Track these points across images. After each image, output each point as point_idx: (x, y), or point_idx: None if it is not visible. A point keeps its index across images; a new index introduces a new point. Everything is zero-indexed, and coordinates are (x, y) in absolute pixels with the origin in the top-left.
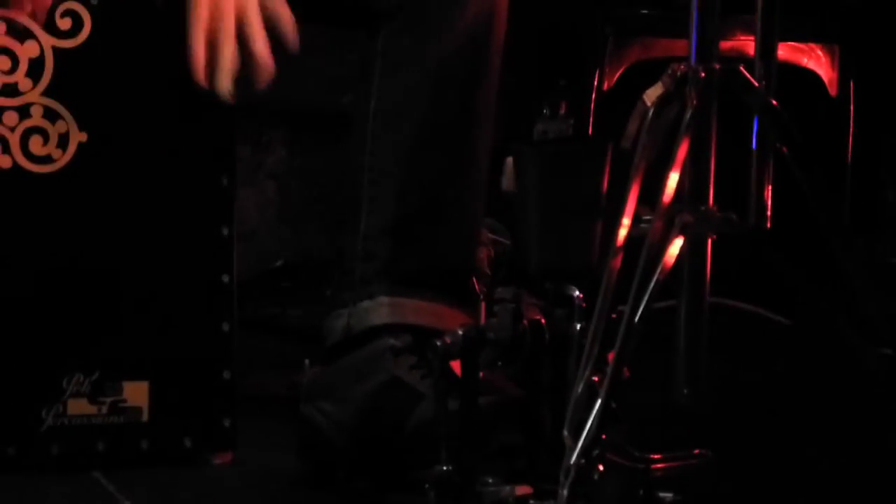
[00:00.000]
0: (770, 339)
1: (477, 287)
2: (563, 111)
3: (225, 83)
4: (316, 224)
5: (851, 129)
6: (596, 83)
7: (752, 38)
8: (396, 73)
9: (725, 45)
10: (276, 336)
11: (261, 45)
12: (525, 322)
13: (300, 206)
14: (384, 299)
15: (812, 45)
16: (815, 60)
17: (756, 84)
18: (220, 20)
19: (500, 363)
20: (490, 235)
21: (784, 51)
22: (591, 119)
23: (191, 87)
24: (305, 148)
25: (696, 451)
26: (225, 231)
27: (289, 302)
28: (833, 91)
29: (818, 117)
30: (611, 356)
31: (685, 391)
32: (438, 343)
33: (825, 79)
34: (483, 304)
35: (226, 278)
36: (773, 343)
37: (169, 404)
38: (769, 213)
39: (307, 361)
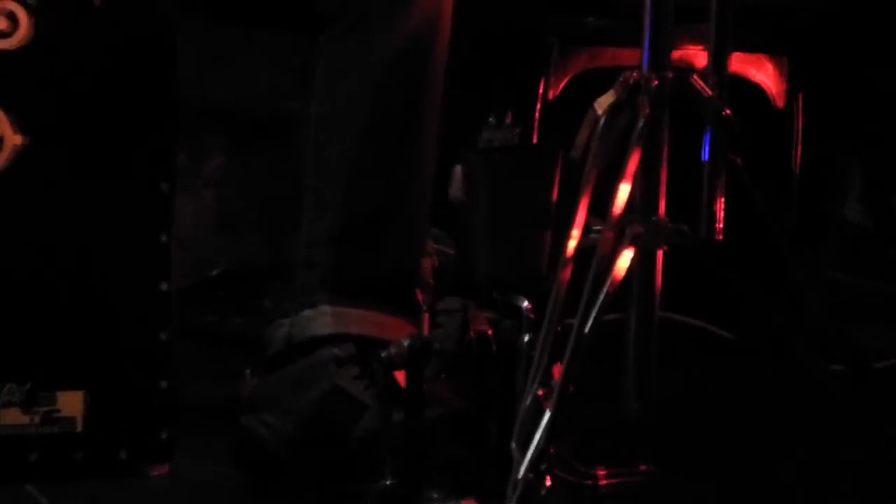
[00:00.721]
0: (716, 353)
1: (420, 297)
2: (508, 120)
3: None
4: (254, 232)
5: (799, 142)
6: (541, 92)
7: (699, 47)
8: (339, 78)
9: (674, 54)
10: (214, 345)
11: None
12: (472, 333)
13: (238, 214)
14: (326, 308)
15: (761, 56)
16: (763, 72)
17: (710, 93)
18: None
19: (444, 375)
20: (434, 245)
21: (732, 62)
22: (535, 128)
23: (132, 89)
24: (245, 154)
25: (644, 467)
26: (163, 238)
27: (227, 311)
28: (780, 103)
29: (763, 130)
30: (559, 369)
31: (634, 405)
32: (383, 353)
33: (772, 91)
34: (426, 315)
35: (164, 286)
36: (719, 358)
37: (104, 415)
38: (720, 224)
39: (248, 371)
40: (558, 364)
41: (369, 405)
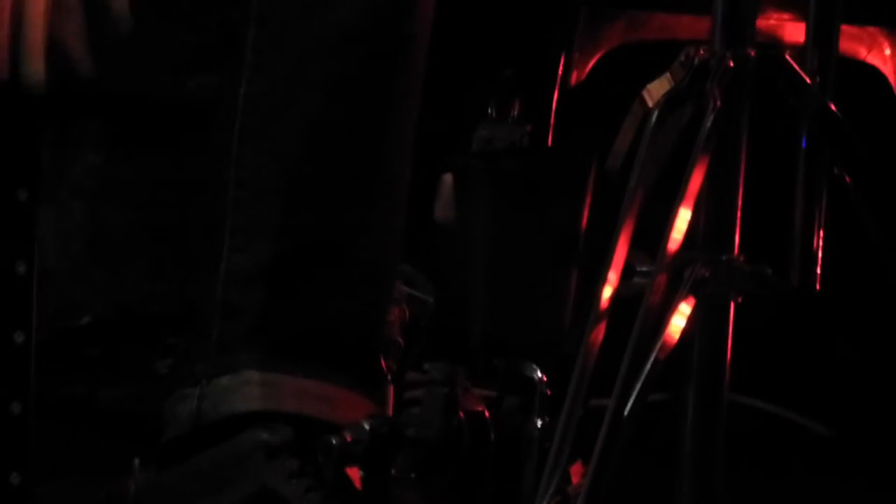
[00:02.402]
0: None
1: (384, 364)
2: (515, 112)
3: (33, 73)
4: (143, 265)
5: None
6: (561, 74)
7: (792, 15)
8: (279, 48)
9: (758, 24)
10: (84, 425)
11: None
12: (461, 414)
13: (120, 239)
14: (253, 375)
15: (876, 30)
16: (880, 51)
17: (808, 80)
18: None
19: (415, 474)
20: (405, 289)
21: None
22: (552, 124)
23: None
24: (131, 152)
25: None
26: (21, 268)
27: (103, 376)
28: None
29: (880, 131)
30: (584, 469)
31: None
32: (335, 441)
33: (892, 78)
34: (392, 388)
35: (20, 337)
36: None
37: None
38: (819, 268)
39: (136, 462)
40: (579, 464)
41: None
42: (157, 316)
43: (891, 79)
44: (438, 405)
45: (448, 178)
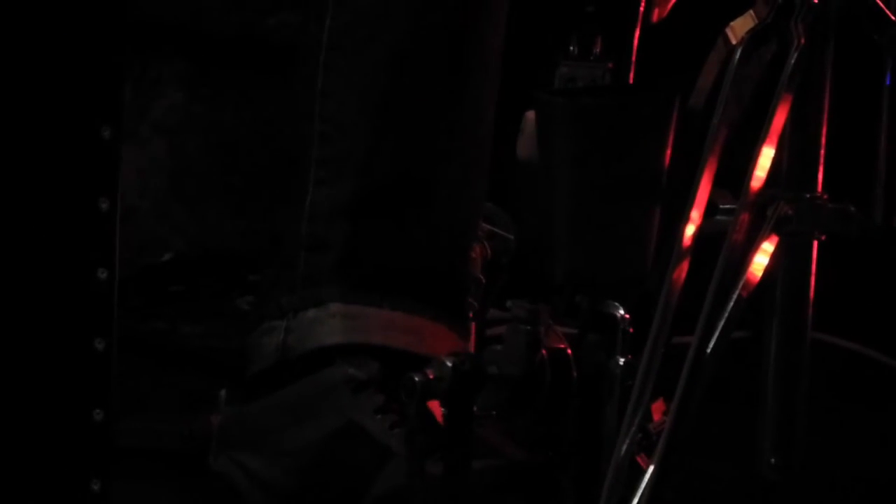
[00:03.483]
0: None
1: (467, 299)
2: (597, 49)
3: None
4: (224, 201)
5: None
6: (642, 10)
7: None
8: None
9: None
10: (167, 362)
11: None
12: (544, 352)
13: (202, 175)
14: (339, 307)
15: None
16: None
17: (892, 17)
18: None
19: (498, 412)
20: (487, 226)
21: None
22: (633, 62)
23: None
24: (212, 90)
25: None
26: (104, 205)
27: (185, 313)
28: None
29: None
30: (666, 406)
31: (772, 461)
32: (417, 378)
33: None
34: (473, 326)
35: (103, 274)
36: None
37: (15, 458)
38: None
39: (222, 394)
40: (660, 401)
41: (395, 451)
42: (239, 253)
43: None
44: (521, 342)
45: (531, 115)
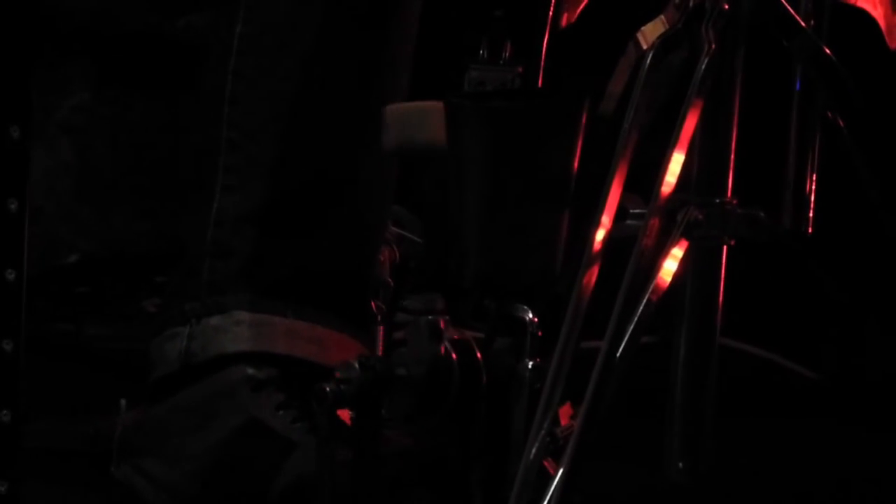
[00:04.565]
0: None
1: (373, 304)
2: (507, 54)
3: None
4: (131, 203)
5: None
6: (551, 15)
7: None
8: None
9: None
10: (72, 364)
11: None
12: (452, 354)
13: (109, 176)
14: (243, 315)
15: None
16: None
17: (802, 23)
18: None
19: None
20: (396, 230)
21: None
22: (542, 66)
23: None
24: (120, 90)
25: None
26: (12, 206)
27: (91, 315)
28: (893, 42)
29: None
30: (574, 410)
31: (680, 464)
32: (328, 388)
33: (884, 23)
34: (381, 329)
35: (11, 275)
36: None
37: None
38: (811, 211)
39: (122, 402)
40: (568, 405)
41: (298, 442)
42: (146, 255)
43: (881, 22)
44: (423, 335)
45: (390, 109)
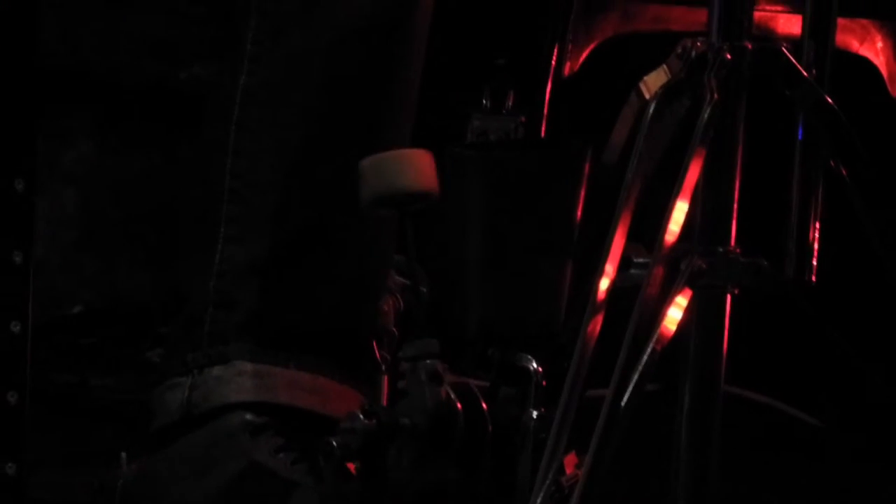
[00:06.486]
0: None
1: (377, 353)
2: (509, 103)
3: None
4: (134, 253)
5: None
6: (554, 65)
7: (781, 8)
8: (280, 40)
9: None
10: (74, 416)
11: None
12: (457, 403)
13: (111, 227)
14: (246, 366)
15: (868, 22)
16: (872, 44)
17: (804, 73)
18: None
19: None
20: (399, 279)
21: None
22: (545, 116)
23: None
24: (122, 141)
25: None
26: (17, 258)
27: (94, 366)
28: (894, 89)
29: (874, 126)
30: (580, 460)
31: None
32: (335, 441)
33: (885, 71)
34: (385, 379)
35: (16, 327)
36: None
37: None
38: (814, 260)
39: (123, 455)
40: (573, 454)
41: (300, 482)
42: (149, 305)
43: (882, 71)
44: (422, 380)
45: (367, 162)
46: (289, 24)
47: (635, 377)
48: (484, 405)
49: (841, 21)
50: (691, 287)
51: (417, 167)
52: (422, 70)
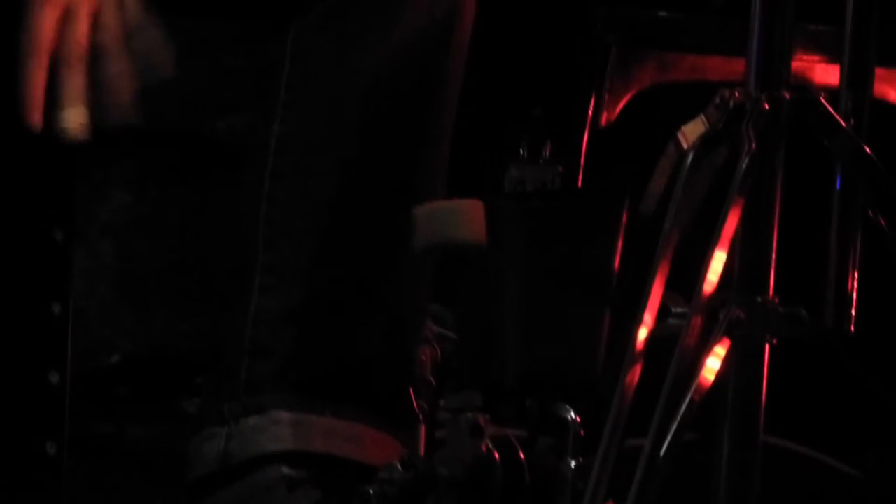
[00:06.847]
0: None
1: (415, 402)
2: (546, 153)
3: (72, 119)
4: (171, 303)
5: None
6: (591, 115)
7: (818, 58)
8: (313, 87)
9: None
10: (111, 467)
11: (114, 69)
12: (495, 453)
13: (149, 277)
14: (282, 415)
15: None
16: None
17: (842, 122)
18: (70, 41)
19: None
20: (435, 328)
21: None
22: (582, 165)
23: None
24: (160, 191)
25: None
26: (56, 308)
27: (130, 416)
28: None
29: None
30: None
31: None
32: (372, 490)
33: None
34: (423, 428)
35: (55, 378)
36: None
37: None
38: (853, 310)
39: None
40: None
41: None
42: (186, 355)
43: None
44: (463, 432)
45: (421, 210)
46: (322, 69)
47: (674, 427)
48: (522, 455)
49: (879, 71)
50: (730, 336)
51: (471, 218)
52: (456, 116)
